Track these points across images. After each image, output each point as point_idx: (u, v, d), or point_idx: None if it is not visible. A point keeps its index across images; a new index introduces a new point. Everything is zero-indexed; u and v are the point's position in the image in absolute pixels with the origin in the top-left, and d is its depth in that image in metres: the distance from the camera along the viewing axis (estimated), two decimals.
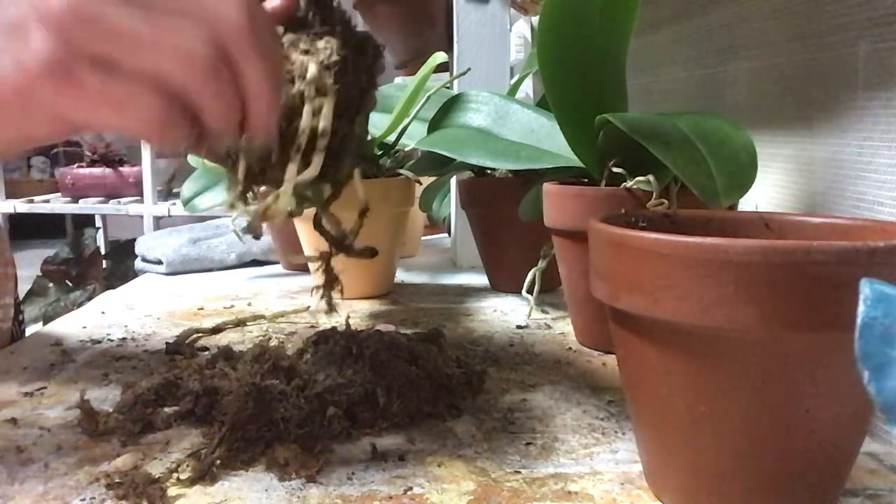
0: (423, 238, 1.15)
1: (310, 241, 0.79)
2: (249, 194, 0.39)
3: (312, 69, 0.37)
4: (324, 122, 0.37)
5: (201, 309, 0.75)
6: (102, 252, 2.54)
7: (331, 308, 0.44)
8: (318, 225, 0.44)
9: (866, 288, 0.21)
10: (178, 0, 0.32)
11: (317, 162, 0.37)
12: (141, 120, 0.32)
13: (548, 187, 0.59)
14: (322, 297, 0.44)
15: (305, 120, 0.37)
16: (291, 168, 0.37)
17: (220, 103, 0.33)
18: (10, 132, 0.33)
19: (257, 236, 0.39)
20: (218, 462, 0.38)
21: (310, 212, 0.44)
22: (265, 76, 0.34)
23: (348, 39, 0.39)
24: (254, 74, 0.33)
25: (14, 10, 0.31)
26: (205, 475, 0.37)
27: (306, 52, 0.38)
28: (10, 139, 0.34)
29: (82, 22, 0.30)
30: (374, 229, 0.78)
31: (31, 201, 2.35)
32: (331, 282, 0.44)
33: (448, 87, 0.83)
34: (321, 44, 0.38)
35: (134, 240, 1.11)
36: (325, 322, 0.68)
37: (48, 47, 0.30)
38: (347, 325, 0.52)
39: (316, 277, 0.44)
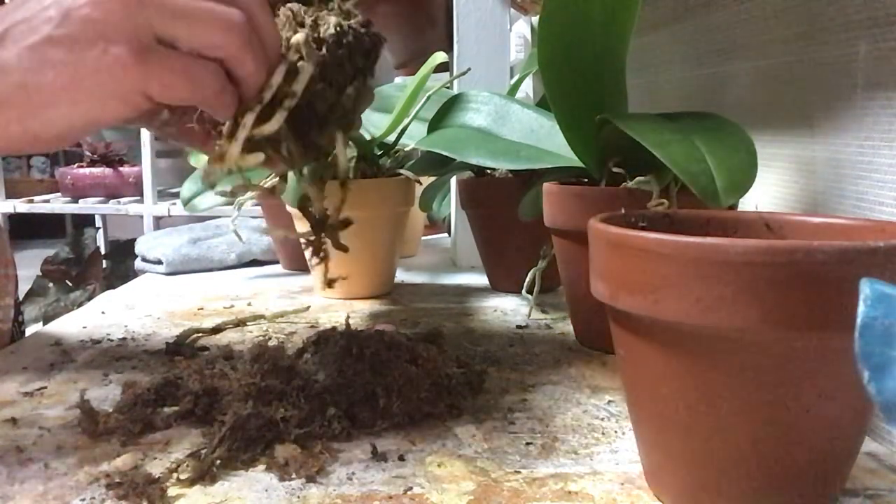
0: (423, 238, 1.15)
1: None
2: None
3: (299, 35, 0.38)
4: (296, 86, 0.38)
5: (201, 309, 0.75)
6: (102, 252, 2.54)
7: (330, 285, 0.45)
8: (302, 208, 0.45)
9: (866, 288, 0.21)
10: None
11: (277, 118, 0.38)
12: (208, 89, 0.36)
13: (548, 187, 0.59)
14: (321, 274, 0.45)
15: (276, 77, 0.38)
16: (249, 116, 0.38)
17: (258, 63, 0.37)
18: (93, 112, 0.35)
19: (212, 185, 0.39)
20: (218, 462, 0.38)
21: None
22: (275, 39, 0.38)
23: (349, 18, 0.41)
24: (270, 38, 0.38)
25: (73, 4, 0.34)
26: (205, 475, 0.37)
27: (301, 24, 0.40)
28: (91, 120, 0.36)
29: (138, 2, 0.33)
30: (375, 229, 0.78)
31: (31, 201, 2.35)
32: (323, 258, 0.45)
33: (448, 87, 0.83)
34: (322, 19, 0.40)
35: (134, 240, 1.11)
36: (325, 322, 0.69)
37: (125, 31, 0.33)
38: (347, 325, 0.52)
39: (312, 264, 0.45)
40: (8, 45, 0.34)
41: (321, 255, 0.45)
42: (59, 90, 0.34)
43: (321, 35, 0.39)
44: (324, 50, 0.39)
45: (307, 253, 0.46)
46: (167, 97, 0.36)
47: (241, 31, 0.36)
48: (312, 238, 0.45)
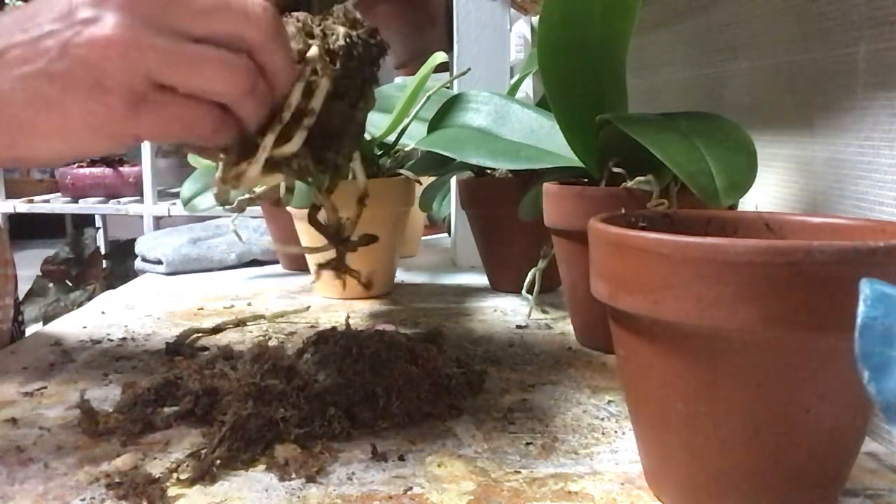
0: (423, 238, 1.15)
1: (309, 241, 0.79)
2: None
3: (314, 50, 0.38)
4: (314, 103, 0.38)
5: (201, 309, 0.75)
6: (102, 252, 2.54)
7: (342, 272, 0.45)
8: (312, 219, 0.44)
9: (866, 288, 0.21)
10: (207, 19, 0.34)
11: (298, 138, 0.38)
12: (202, 130, 0.35)
13: (548, 187, 0.59)
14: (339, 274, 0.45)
15: (295, 95, 0.38)
16: (269, 137, 0.37)
17: (260, 104, 0.36)
18: (82, 147, 0.35)
19: (224, 202, 0.39)
20: (218, 462, 0.38)
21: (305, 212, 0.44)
22: (288, 70, 0.37)
23: (357, 28, 0.41)
24: (280, 72, 0.37)
25: (71, 41, 0.33)
26: (205, 475, 0.37)
27: (311, 34, 0.39)
28: (80, 152, 0.36)
29: (138, 49, 0.33)
30: (375, 229, 0.78)
31: (31, 201, 2.35)
32: (341, 268, 0.45)
33: (448, 87, 0.83)
34: (330, 28, 0.40)
35: (134, 240, 1.11)
36: (325, 322, 0.69)
37: (121, 79, 0.33)
38: (347, 325, 0.52)
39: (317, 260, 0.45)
40: (3, 69, 0.33)
41: (342, 265, 0.45)
42: (49, 126, 0.34)
43: (331, 47, 0.39)
44: (337, 64, 0.39)
45: (310, 258, 0.46)
46: (158, 140, 0.36)
47: (243, 80, 0.35)
48: (331, 257, 0.44)
